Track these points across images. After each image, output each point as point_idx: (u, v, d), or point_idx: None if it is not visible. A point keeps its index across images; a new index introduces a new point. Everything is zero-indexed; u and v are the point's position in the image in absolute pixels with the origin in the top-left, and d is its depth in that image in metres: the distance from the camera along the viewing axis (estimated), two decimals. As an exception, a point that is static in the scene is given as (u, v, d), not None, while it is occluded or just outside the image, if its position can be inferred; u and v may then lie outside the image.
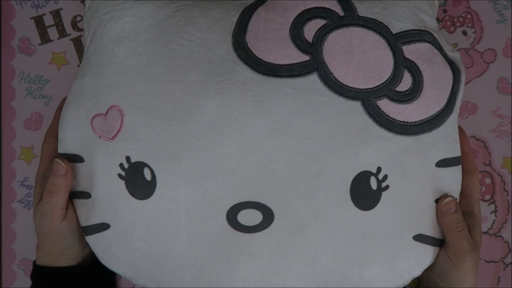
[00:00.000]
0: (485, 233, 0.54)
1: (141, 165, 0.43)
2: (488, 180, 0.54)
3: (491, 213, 0.54)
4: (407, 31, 0.44)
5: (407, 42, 0.43)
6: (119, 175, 0.43)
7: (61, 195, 0.44)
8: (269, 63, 0.42)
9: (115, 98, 0.44)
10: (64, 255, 0.47)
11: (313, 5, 0.43)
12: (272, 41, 0.43)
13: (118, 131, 0.43)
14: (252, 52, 0.42)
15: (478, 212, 0.47)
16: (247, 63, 0.42)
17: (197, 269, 0.43)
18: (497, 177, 0.54)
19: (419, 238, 0.44)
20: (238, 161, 0.42)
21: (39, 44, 0.55)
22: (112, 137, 0.43)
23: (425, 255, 0.44)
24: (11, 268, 0.55)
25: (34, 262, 0.48)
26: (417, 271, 0.45)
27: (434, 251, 0.45)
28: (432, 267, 0.45)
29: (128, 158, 0.43)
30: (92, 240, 0.46)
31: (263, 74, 0.42)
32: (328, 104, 0.42)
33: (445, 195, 0.44)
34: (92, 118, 0.44)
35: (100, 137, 0.44)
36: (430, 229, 0.44)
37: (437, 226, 0.44)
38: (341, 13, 0.43)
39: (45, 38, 0.55)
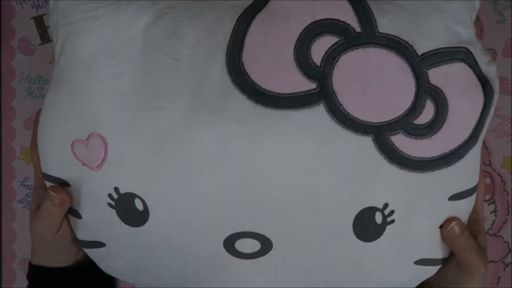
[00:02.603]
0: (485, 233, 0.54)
1: (131, 196, 0.39)
2: (488, 180, 0.54)
3: (491, 213, 0.54)
4: (436, 50, 0.37)
5: (434, 63, 0.37)
6: (109, 204, 0.40)
7: (56, 218, 0.42)
8: (268, 91, 0.36)
9: (95, 124, 0.38)
10: (56, 259, 0.46)
11: (323, 16, 0.36)
12: (273, 64, 0.36)
13: (103, 161, 0.39)
14: (250, 77, 0.36)
15: (482, 217, 0.45)
16: (244, 91, 0.36)
17: (195, 283, 0.42)
18: (497, 177, 0.54)
19: (421, 262, 0.42)
20: (235, 195, 0.38)
21: (39, 44, 0.55)
22: (97, 166, 0.39)
23: (426, 274, 0.43)
24: (11, 268, 0.55)
25: (30, 262, 0.48)
26: (414, 285, 0.43)
27: (435, 268, 0.43)
28: (444, 276, 0.43)
29: (116, 189, 0.39)
30: (90, 252, 0.44)
31: (262, 105, 0.36)
32: (335, 140, 0.37)
33: (450, 219, 0.40)
34: (72, 144, 0.39)
35: (84, 165, 0.39)
36: (433, 253, 0.42)
37: (440, 247, 0.42)
38: (358, 29, 0.36)
39: (45, 38, 0.55)
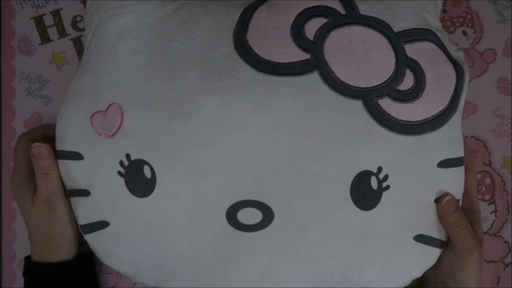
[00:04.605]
0: (485, 233, 0.54)
1: (141, 163, 0.43)
2: (488, 180, 0.54)
3: (491, 213, 0.54)
4: (409, 30, 0.43)
5: (409, 41, 0.43)
6: (119, 173, 0.43)
7: (56, 175, 0.45)
8: (269, 61, 0.42)
9: (115, 95, 0.44)
10: (56, 245, 0.47)
11: (315, 4, 0.43)
12: (273, 40, 0.42)
13: (118, 129, 0.43)
14: (253, 50, 0.42)
15: (478, 207, 0.47)
16: (247, 61, 0.42)
17: (196, 267, 0.43)
18: (497, 177, 0.54)
19: (420, 238, 0.43)
20: (238, 160, 0.42)
21: (39, 44, 0.55)
22: (112, 135, 0.43)
23: (426, 256, 0.44)
24: (11, 268, 0.55)
25: (26, 258, 0.48)
26: (417, 272, 0.45)
27: (435, 252, 0.45)
28: (440, 266, 0.45)
29: (128, 156, 0.43)
30: (91, 238, 0.46)
31: (264, 72, 0.42)
32: (328, 103, 0.42)
33: (444, 195, 0.44)
34: (92, 115, 0.44)
35: (100, 134, 0.44)
36: (430, 230, 0.44)
37: (437, 226, 0.44)
38: (343, 12, 0.43)
39: (45, 38, 0.55)
